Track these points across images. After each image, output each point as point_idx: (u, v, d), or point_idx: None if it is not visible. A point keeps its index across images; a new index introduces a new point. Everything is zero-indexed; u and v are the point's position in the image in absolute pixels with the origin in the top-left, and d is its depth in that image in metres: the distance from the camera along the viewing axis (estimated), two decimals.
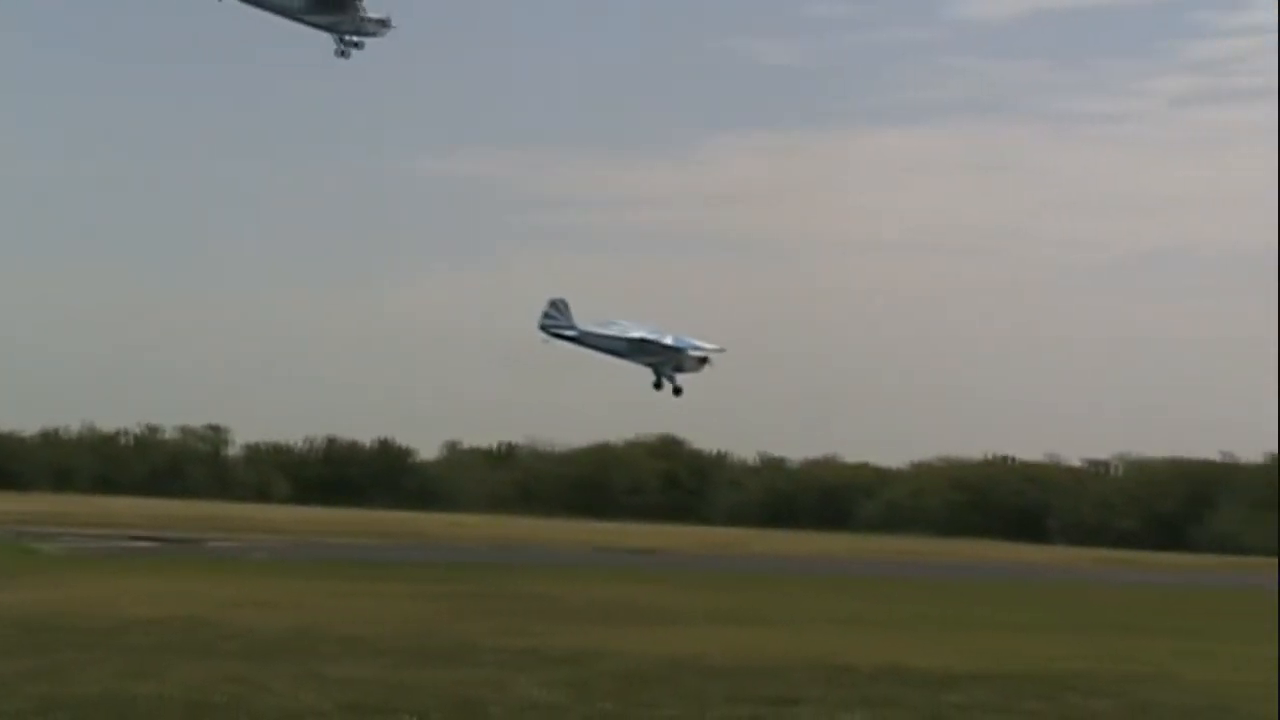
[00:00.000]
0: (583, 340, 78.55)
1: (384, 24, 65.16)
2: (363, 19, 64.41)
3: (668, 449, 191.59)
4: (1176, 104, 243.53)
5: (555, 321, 77.70)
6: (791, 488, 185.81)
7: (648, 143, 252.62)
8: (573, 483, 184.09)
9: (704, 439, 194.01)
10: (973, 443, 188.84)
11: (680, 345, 78.70)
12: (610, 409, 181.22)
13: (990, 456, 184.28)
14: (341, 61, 64.98)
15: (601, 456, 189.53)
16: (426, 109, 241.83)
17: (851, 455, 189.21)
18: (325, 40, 64.95)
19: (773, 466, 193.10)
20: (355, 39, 64.59)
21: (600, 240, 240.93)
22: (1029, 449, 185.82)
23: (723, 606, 51.11)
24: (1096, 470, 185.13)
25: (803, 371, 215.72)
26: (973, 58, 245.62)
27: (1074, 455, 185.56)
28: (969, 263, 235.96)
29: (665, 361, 79.26)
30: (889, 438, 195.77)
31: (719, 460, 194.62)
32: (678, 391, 79.63)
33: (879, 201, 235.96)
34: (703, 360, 78.90)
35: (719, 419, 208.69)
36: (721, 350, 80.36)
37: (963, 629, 45.38)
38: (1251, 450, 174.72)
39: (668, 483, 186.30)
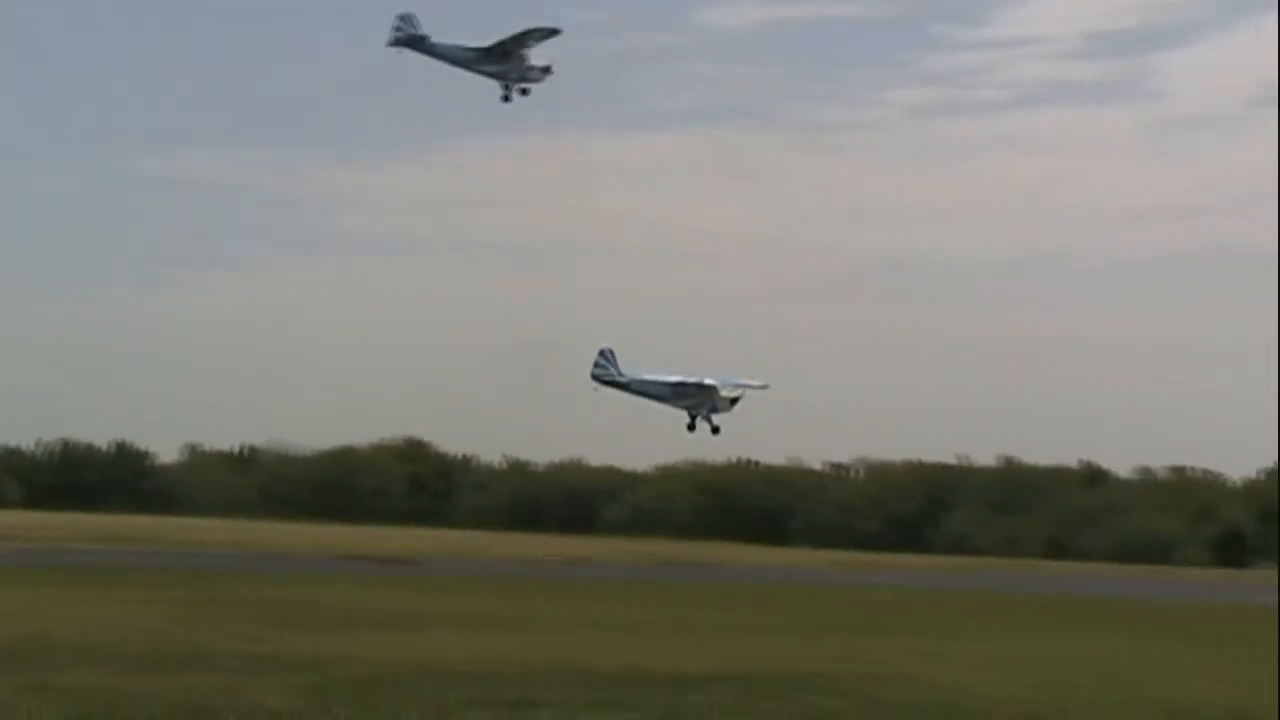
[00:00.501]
0: (629, 387, 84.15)
1: (548, 70, 68.41)
2: (528, 67, 67.60)
3: (413, 452, 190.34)
4: (914, 114, 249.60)
5: (605, 371, 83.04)
6: (537, 490, 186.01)
7: (390, 145, 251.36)
8: (316, 486, 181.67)
9: (449, 442, 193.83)
10: (717, 447, 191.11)
11: (714, 384, 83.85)
12: (354, 413, 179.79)
13: (734, 460, 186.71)
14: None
15: (346, 459, 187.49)
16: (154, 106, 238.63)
17: (597, 459, 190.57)
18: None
19: (518, 470, 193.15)
20: (523, 86, 67.97)
21: (342, 243, 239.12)
22: (771, 453, 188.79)
23: (465, 610, 50.85)
24: (837, 473, 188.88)
25: (549, 374, 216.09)
26: (716, 65, 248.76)
27: (815, 458, 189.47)
28: (712, 268, 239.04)
29: (701, 403, 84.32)
30: (635, 441, 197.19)
31: (464, 463, 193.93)
32: (715, 430, 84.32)
33: (624, 206, 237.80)
34: (733, 400, 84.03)
35: (464, 421, 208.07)
36: (764, 387, 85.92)
37: (703, 631, 45.84)
38: (984, 454, 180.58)
39: (413, 486, 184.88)
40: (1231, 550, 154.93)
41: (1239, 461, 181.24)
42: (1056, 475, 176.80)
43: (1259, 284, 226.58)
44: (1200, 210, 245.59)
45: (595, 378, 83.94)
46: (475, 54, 68.30)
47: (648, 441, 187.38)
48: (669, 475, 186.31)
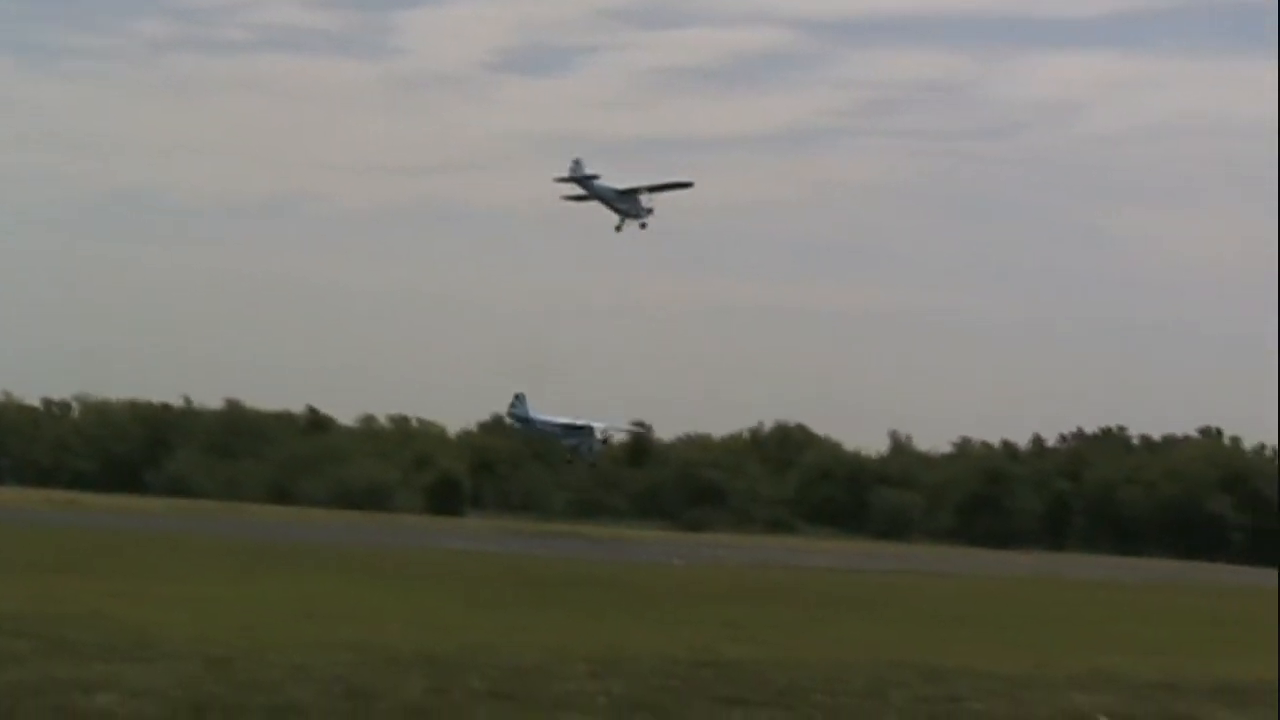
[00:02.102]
0: (532, 425, 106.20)
1: (650, 212, 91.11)
2: (642, 209, 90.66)
3: None
4: (157, 48, 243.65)
5: (517, 411, 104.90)
6: None
7: None
8: None
9: None
10: None
11: (590, 426, 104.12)
12: None
13: None
14: None
15: None
16: None
17: None
18: None
19: None
20: (640, 222, 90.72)
21: None
22: None
23: None
24: (52, 410, 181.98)
25: None
26: None
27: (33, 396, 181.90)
28: None
29: (581, 442, 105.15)
30: None
31: None
32: (592, 466, 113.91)
33: None
34: (604, 440, 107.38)
35: None
36: (641, 429, 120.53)
37: None
38: (209, 396, 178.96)
39: None
40: (446, 498, 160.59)
41: (456, 414, 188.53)
42: (280, 421, 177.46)
43: (470, 239, 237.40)
44: (436, 168, 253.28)
45: (511, 416, 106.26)
46: (614, 194, 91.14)
47: None
48: None
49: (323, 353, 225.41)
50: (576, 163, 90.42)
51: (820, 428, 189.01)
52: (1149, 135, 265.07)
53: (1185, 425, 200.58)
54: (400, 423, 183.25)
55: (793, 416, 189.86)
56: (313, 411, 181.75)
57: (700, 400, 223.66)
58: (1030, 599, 54.29)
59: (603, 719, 20.89)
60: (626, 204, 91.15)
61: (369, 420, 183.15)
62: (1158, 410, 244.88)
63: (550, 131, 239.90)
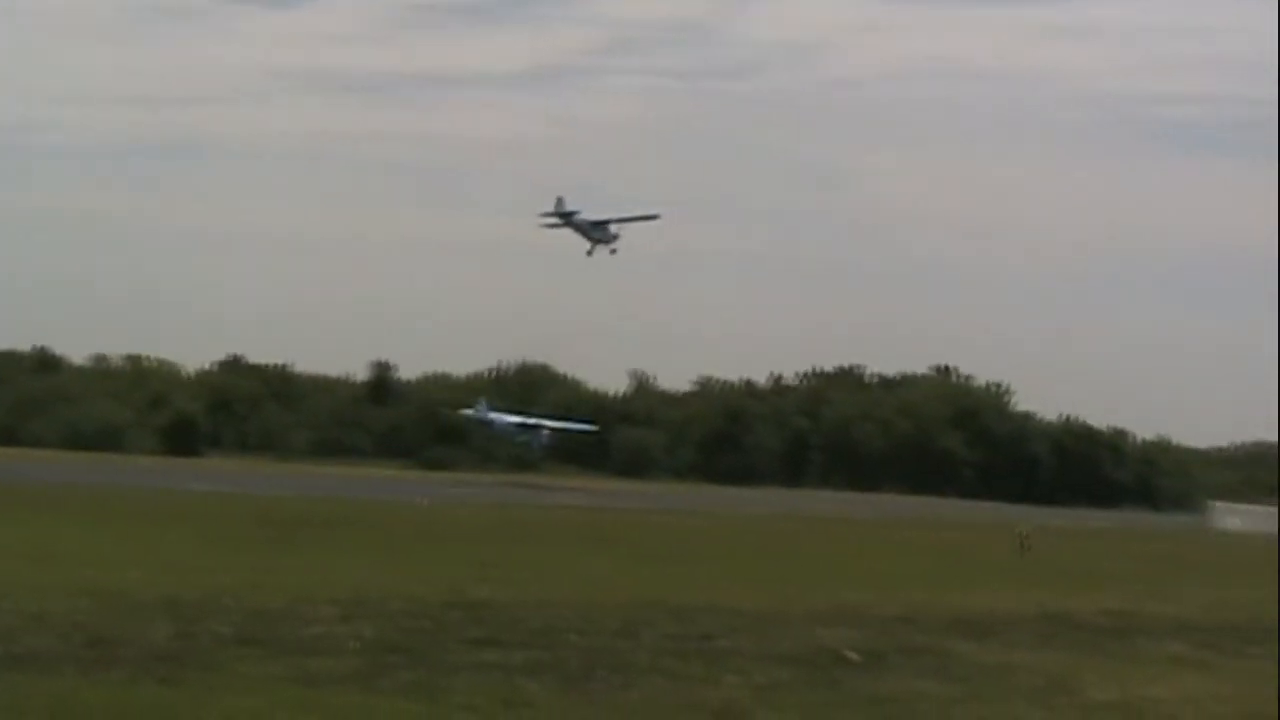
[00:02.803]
0: (491, 425, 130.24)
1: (617, 238, 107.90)
2: (611, 236, 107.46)
3: None
4: None
5: (479, 414, 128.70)
6: None
7: None
8: None
9: None
10: None
11: (539, 424, 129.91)
12: None
13: None
14: None
15: None
16: None
17: None
18: None
19: None
20: (610, 248, 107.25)
21: None
22: None
23: None
24: None
25: None
26: None
27: None
28: None
29: (533, 437, 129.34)
30: None
31: None
32: (545, 452, 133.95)
33: None
34: (547, 434, 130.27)
35: None
36: (590, 429, 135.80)
37: None
38: None
39: None
40: (182, 439, 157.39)
41: (194, 353, 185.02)
42: (6, 360, 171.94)
43: (211, 173, 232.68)
44: (176, 100, 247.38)
45: (475, 417, 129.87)
46: (590, 225, 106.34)
47: None
48: None
49: (52, 290, 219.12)
50: (559, 200, 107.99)
51: (563, 367, 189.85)
52: (889, 79, 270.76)
53: (919, 364, 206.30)
54: (134, 362, 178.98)
55: (536, 356, 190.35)
56: (41, 350, 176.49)
57: (445, 338, 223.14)
58: (771, 535, 55.27)
59: (355, 662, 20.65)
60: (599, 233, 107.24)
61: (101, 359, 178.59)
62: (892, 349, 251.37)
63: (290, 66, 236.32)
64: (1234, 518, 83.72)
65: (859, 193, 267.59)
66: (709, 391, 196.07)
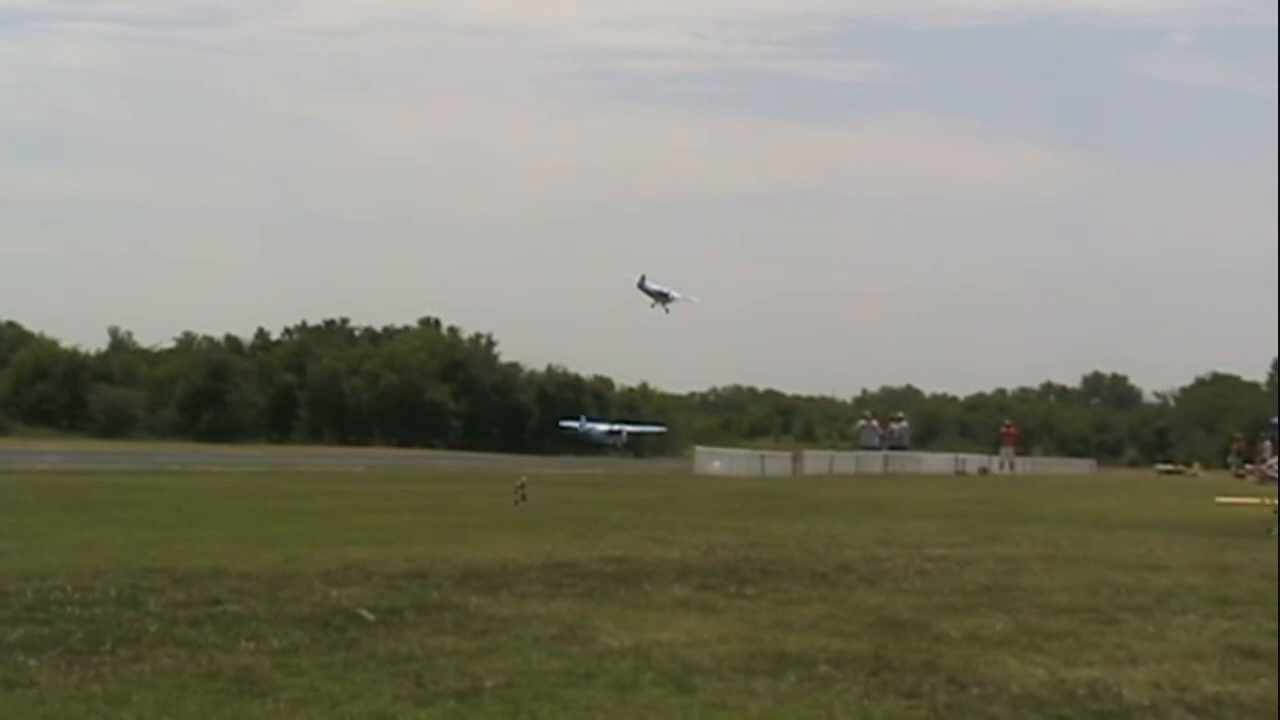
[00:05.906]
0: (589, 434, 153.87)
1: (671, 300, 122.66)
2: (671, 301, 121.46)
3: None
4: None
5: (581, 426, 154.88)
6: None
7: None
8: None
9: None
10: None
11: (623, 429, 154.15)
12: None
13: None
14: None
15: None
16: None
17: None
18: None
19: None
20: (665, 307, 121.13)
21: None
22: None
23: None
24: None
25: None
26: None
27: None
28: None
29: (618, 439, 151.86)
30: None
31: None
32: (615, 448, 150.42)
33: None
34: (613, 433, 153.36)
35: None
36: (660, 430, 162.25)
37: None
38: None
39: None
40: None
41: None
42: None
43: None
44: None
45: (566, 428, 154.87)
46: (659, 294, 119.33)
47: None
48: None
49: None
50: (643, 278, 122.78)
51: (35, 325, 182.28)
52: (365, 29, 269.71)
53: (406, 317, 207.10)
54: None
55: (2, 314, 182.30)
56: None
57: None
58: (268, 494, 54.35)
59: None
60: (664, 300, 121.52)
61: None
62: (379, 302, 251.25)
63: None
64: (716, 461, 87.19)
65: (341, 146, 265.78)
66: (191, 348, 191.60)
